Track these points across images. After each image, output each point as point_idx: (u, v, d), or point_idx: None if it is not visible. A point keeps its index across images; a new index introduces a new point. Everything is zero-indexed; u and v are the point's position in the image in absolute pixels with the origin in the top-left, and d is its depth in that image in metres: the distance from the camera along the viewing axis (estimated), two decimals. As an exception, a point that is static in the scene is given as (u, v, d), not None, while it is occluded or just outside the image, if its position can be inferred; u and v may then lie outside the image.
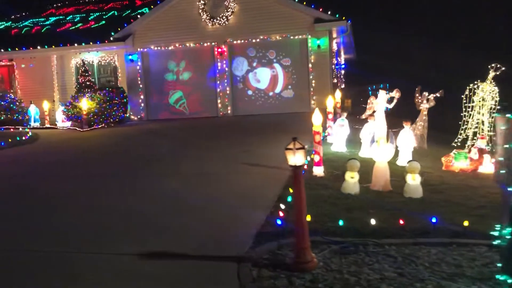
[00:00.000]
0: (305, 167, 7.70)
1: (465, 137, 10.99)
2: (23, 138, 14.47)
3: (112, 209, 6.43)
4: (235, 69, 19.11)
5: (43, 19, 24.60)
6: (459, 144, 10.78)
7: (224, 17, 18.71)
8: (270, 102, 18.93)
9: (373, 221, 5.03)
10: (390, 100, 11.62)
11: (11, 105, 19.68)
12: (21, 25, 24.20)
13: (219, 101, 19.31)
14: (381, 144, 6.94)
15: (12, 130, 17.62)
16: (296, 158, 4.10)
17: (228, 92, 19.18)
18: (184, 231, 5.33)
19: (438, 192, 6.69)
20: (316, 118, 7.68)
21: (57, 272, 4.40)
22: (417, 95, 12.14)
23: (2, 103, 19.40)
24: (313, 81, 18.28)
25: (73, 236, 5.34)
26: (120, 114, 18.70)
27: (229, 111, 19.24)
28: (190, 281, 4.15)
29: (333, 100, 11.16)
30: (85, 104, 16.99)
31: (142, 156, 10.86)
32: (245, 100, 19.22)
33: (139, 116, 20.02)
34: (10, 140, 13.86)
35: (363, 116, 12.73)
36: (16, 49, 20.40)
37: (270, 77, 18.79)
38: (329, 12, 17.66)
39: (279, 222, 5.08)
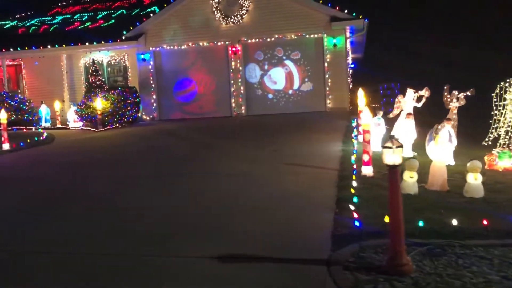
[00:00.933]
0: (354, 166, 7.55)
1: (496, 136, 10.89)
2: (40, 138, 14.19)
3: (169, 210, 6.23)
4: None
5: (49, 18, 24.28)
6: (490, 143, 10.67)
7: (238, 16, 18.52)
8: (284, 102, 18.76)
9: (454, 222, 4.88)
10: (418, 99, 11.56)
11: (21, 105, 19.39)
12: (28, 24, 23.86)
13: (232, 100, 19.11)
14: (439, 143, 6.78)
15: (25, 130, 17.33)
16: (394, 157, 3.92)
17: (242, 91, 18.99)
18: (254, 233, 5.13)
19: (496, 191, 6.55)
20: (365, 116, 7.51)
21: (153, 275, 4.21)
22: (445, 93, 12.02)
23: (12, 103, 19.10)
24: (329, 80, 18.13)
25: (144, 239, 5.12)
26: (133, 114, 18.47)
27: (243, 111, 19.05)
28: (280, 285, 3.96)
29: (365, 98, 10.97)
30: (100, 104, 16.72)
31: (173, 156, 10.64)
32: (259, 99, 19.03)
33: (151, 116, 19.78)
34: (28, 140, 13.59)
35: (391, 115, 12.62)
36: (26, 48, 20.08)
37: (285, 75, 18.63)
38: (345, 11, 17.52)
39: (357, 223, 4.91)
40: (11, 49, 20.21)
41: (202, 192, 7.07)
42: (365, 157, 7.40)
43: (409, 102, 11.77)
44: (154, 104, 19.76)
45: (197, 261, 4.47)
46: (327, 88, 18.19)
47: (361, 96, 10.99)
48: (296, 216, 5.68)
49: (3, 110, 13.51)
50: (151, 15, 19.65)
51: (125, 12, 23.15)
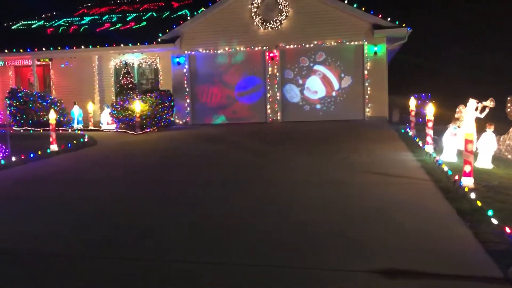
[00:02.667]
0: (456, 177, 7.26)
1: None
2: (85, 140, 13.87)
3: (272, 218, 5.91)
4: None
5: (77, 19, 24.06)
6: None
7: (277, 21, 18.31)
8: (321, 110, 18.51)
9: None
10: (482, 109, 11.30)
11: (53, 106, 19.07)
12: (55, 24, 23.61)
13: (268, 106, 18.86)
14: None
15: (61, 131, 16.99)
16: None
17: (278, 97, 18.73)
18: (389, 245, 4.82)
19: None
20: (469, 127, 7.24)
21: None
22: (509, 104, 11.81)
23: (44, 103, 18.80)
24: (369, 89, 17.91)
25: (272, 249, 4.81)
26: (168, 118, 18.19)
27: (278, 117, 18.79)
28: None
29: (433, 107, 10.73)
30: (139, 106, 16.43)
31: (235, 162, 10.31)
32: (295, 106, 18.78)
33: (184, 120, 19.50)
34: (75, 142, 13.28)
35: (451, 125, 12.37)
36: (59, 48, 19.77)
37: (324, 83, 18.40)
38: (388, 19, 17.33)
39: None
40: (44, 49, 19.89)
41: (305, 200, 6.76)
42: (467, 168, 7.11)
43: (470, 112, 11.55)
44: (188, 108, 19.48)
45: (356, 276, 4.16)
46: (366, 97, 17.96)
47: (431, 106, 10.76)
48: (423, 228, 5.37)
49: (52, 110, 13.24)
50: (189, 18, 19.37)
51: (155, 15, 22.95)
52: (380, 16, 17.38)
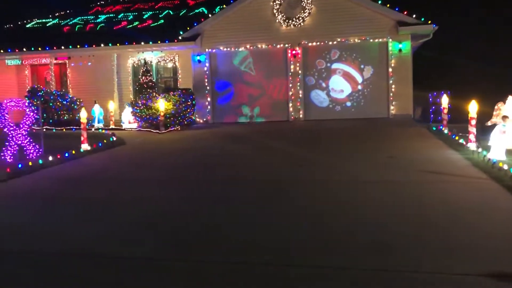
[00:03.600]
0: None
1: None
2: (114, 139, 13.69)
3: (343, 219, 5.74)
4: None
5: (92, 17, 23.86)
6: None
7: (300, 18, 18.11)
8: (345, 108, 18.35)
9: None
10: (521, 107, 11.12)
11: (72, 104, 18.92)
12: (71, 22, 23.41)
13: (290, 104, 18.68)
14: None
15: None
16: None
17: (300, 95, 18.55)
18: (482, 248, 4.66)
19: None
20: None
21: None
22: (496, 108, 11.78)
23: (64, 102, 18.63)
24: (393, 86, 17.74)
25: (355, 249, 4.65)
26: (190, 116, 18.02)
27: (300, 116, 18.61)
28: None
29: (476, 105, 10.55)
30: (163, 105, 16.24)
31: (274, 161, 10.13)
32: (317, 105, 18.61)
33: (204, 119, 19.32)
34: (105, 141, 13.11)
35: (489, 123, 12.20)
36: (78, 46, 19.58)
37: (348, 81, 18.22)
38: (413, 16, 17.14)
39: None
40: (62, 47, 19.71)
41: (366, 201, 6.60)
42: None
43: (509, 109, 11.40)
44: (208, 107, 19.30)
45: (465, 279, 4.00)
46: (391, 94, 17.79)
47: (474, 103, 10.59)
48: (507, 232, 5.21)
49: (83, 109, 13.07)
50: (209, 15, 19.17)
51: (172, 13, 22.74)
52: (405, 13, 17.18)
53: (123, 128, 17.98)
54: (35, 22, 24.36)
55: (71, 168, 9.91)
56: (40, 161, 10.00)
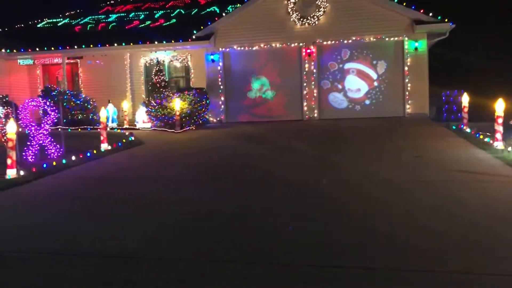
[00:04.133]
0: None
1: None
2: (132, 139, 13.61)
3: (392, 220, 5.63)
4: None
5: (103, 16, 23.81)
6: None
7: (315, 17, 18.00)
8: (360, 106, 18.24)
9: None
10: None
11: (85, 104, 18.84)
12: (82, 22, 23.35)
13: (305, 103, 18.57)
14: None
15: (99, 130, 16.69)
16: None
17: (315, 94, 18.45)
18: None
19: None
20: None
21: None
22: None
23: (78, 102, 18.56)
24: (409, 85, 17.62)
25: (407, 252, 4.54)
26: (205, 116, 17.94)
27: (315, 115, 18.50)
28: None
29: (503, 103, 10.43)
30: (179, 104, 16.16)
31: (300, 160, 10.03)
32: (332, 104, 18.50)
33: (218, 118, 19.22)
34: (124, 140, 13.03)
35: (512, 122, 12.08)
36: (91, 45, 19.50)
37: (364, 80, 18.11)
38: (430, 14, 17.02)
39: None
40: (75, 47, 19.63)
41: (406, 201, 6.49)
42: None
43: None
44: (222, 106, 19.21)
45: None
46: (407, 93, 17.67)
47: (501, 101, 10.46)
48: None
49: (103, 108, 12.98)
50: (223, 14, 19.08)
51: (183, 12, 22.67)
52: (421, 11, 17.06)
53: (137, 127, 17.90)
54: (45, 22, 24.31)
55: (96, 168, 9.83)
56: (64, 161, 9.92)
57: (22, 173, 8.69)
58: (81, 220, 6.07)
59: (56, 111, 11.72)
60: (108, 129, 16.85)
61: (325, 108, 18.49)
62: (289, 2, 18.13)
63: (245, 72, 19.08)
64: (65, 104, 18.11)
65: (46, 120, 10.97)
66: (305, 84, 18.49)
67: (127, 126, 18.09)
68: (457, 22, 16.88)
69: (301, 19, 18.12)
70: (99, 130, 16.75)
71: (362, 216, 5.87)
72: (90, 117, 18.52)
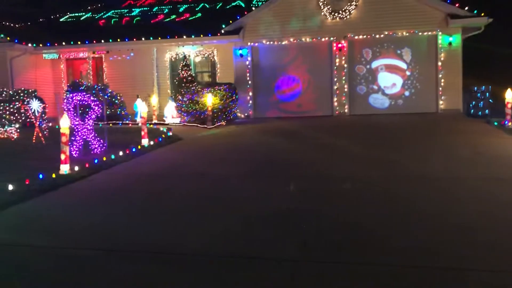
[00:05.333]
0: None
1: None
2: (170, 134, 13.44)
3: (484, 220, 5.41)
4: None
5: (126, 11, 23.61)
6: None
7: (346, 11, 17.74)
8: (392, 102, 17.99)
9: None
10: None
11: (113, 99, 18.68)
12: (105, 16, 23.17)
13: (335, 99, 18.34)
14: None
15: (130, 125, 16.58)
16: None
17: (345, 89, 18.21)
18: None
19: None
20: None
21: None
22: None
23: (105, 97, 18.37)
24: (442, 80, 17.35)
25: None
26: (235, 111, 17.76)
27: (345, 110, 18.28)
28: None
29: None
30: (211, 99, 15.97)
31: (356, 156, 9.80)
32: (363, 99, 18.27)
33: (246, 114, 19.01)
34: (163, 136, 12.87)
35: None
36: (118, 40, 19.32)
37: (398, 74, 17.86)
38: (466, 8, 16.72)
39: None
40: (103, 41, 19.46)
41: (487, 199, 6.27)
42: None
43: None
44: (250, 101, 19.00)
45: None
46: (440, 89, 17.41)
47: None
48: None
49: (144, 103, 12.79)
50: (254, 8, 18.87)
51: (208, 6, 22.43)
52: (457, 5, 16.76)
53: (166, 122, 17.72)
54: (67, 16, 24.15)
55: (146, 163, 9.66)
56: (113, 156, 9.75)
57: (76, 168, 8.52)
58: (153, 218, 5.89)
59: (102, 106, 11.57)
60: (137, 124, 16.77)
61: (356, 103, 18.25)
62: (320, -5, 17.88)
63: (273, 67, 18.85)
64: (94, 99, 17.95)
65: (90, 114, 10.81)
66: (335, 79, 18.25)
67: (156, 121, 17.90)
68: (492, 16, 16.57)
69: (333, 13, 17.87)
70: (130, 124, 16.76)
71: (458, 216, 5.65)
72: (118, 112, 18.37)
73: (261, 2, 21.22)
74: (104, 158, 9.53)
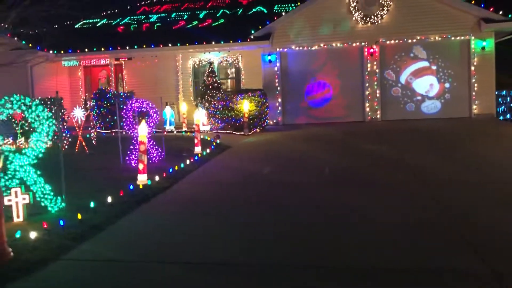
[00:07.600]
0: None
1: None
2: (218, 142, 13.07)
3: None
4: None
5: (142, 17, 23.23)
6: None
7: (378, 16, 17.60)
8: (425, 107, 17.87)
9: None
10: None
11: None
12: (122, 22, 22.74)
13: (367, 104, 18.15)
14: None
15: (165, 133, 16.11)
16: None
17: (378, 95, 18.04)
18: None
19: None
20: None
21: None
22: None
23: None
24: (475, 85, 17.29)
25: None
26: (267, 118, 17.46)
27: (378, 116, 18.09)
28: None
29: None
30: (247, 106, 15.64)
31: (415, 162, 9.55)
32: (395, 104, 18.11)
33: (275, 120, 18.70)
34: (214, 143, 12.49)
35: None
36: (144, 46, 18.91)
37: (431, 79, 17.75)
38: (500, 12, 16.71)
39: None
40: (127, 47, 19.02)
41: None
42: None
43: None
44: (279, 108, 18.70)
45: None
46: (473, 93, 17.34)
47: None
48: None
49: (196, 110, 12.40)
50: (283, 14, 18.65)
51: (228, 12, 22.16)
52: (491, 9, 16.74)
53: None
54: (82, 22, 23.65)
55: (215, 172, 9.30)
56: (182, 165, 9.36)
57: (157, 178, 8.12)
58: (257, 228, 5.55)
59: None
60: (166, 132, 16.38)
61: (388, 109, 18.09)
62: (351, 1, 17.71)
63: (303, 72, 18.61)
64: (122, 106, 17.48)
65: (148, 122, 10.41)
66: (367, 84, 18.08)
67: (186, 129, 17.48)
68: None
69: (364, 18, 17.72)
70: (165, 133, 16.28)
71: None
72: (146, 120, 17.87)
73: (283, 8, 21.09)
74: (176, 167, 9.13)
